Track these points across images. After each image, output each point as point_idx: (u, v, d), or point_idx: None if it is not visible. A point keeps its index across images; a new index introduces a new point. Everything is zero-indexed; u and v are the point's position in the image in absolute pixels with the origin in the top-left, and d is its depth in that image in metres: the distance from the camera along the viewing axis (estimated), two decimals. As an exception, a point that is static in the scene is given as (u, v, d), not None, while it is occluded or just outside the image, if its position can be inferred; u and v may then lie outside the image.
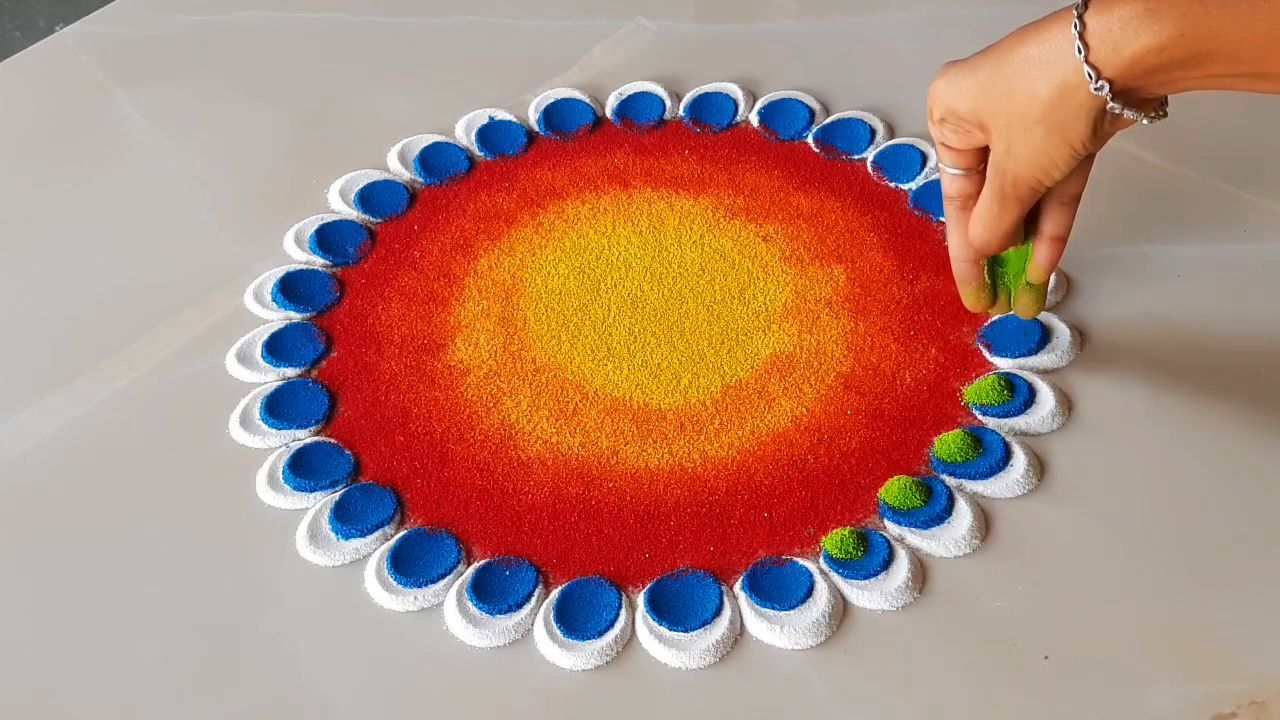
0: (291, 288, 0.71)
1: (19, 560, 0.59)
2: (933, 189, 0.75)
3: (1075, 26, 0.48)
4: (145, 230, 0.77)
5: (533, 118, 0.83)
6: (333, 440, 0.64)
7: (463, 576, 0.58)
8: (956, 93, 0.54)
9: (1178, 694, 0.52)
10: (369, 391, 0.66)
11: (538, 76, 0.86)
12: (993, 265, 0.61)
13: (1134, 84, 0.49)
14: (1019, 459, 0.61)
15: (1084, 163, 0.55)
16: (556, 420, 0.65)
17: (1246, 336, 0.67)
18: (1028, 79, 0.51)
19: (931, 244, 0.73)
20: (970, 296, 0.62)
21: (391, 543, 0.59)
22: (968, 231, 0.59)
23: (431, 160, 0.79)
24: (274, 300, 0.70)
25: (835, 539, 0.58)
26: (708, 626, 0.55)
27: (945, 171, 0.58)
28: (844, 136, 0.79)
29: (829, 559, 0.58)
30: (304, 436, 0.64)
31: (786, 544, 0.59)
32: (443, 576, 0.58)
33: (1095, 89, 0.49)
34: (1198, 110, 0.79)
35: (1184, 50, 0.47)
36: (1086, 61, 0.48)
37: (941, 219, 0.74)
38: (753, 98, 0.83)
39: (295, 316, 0.70)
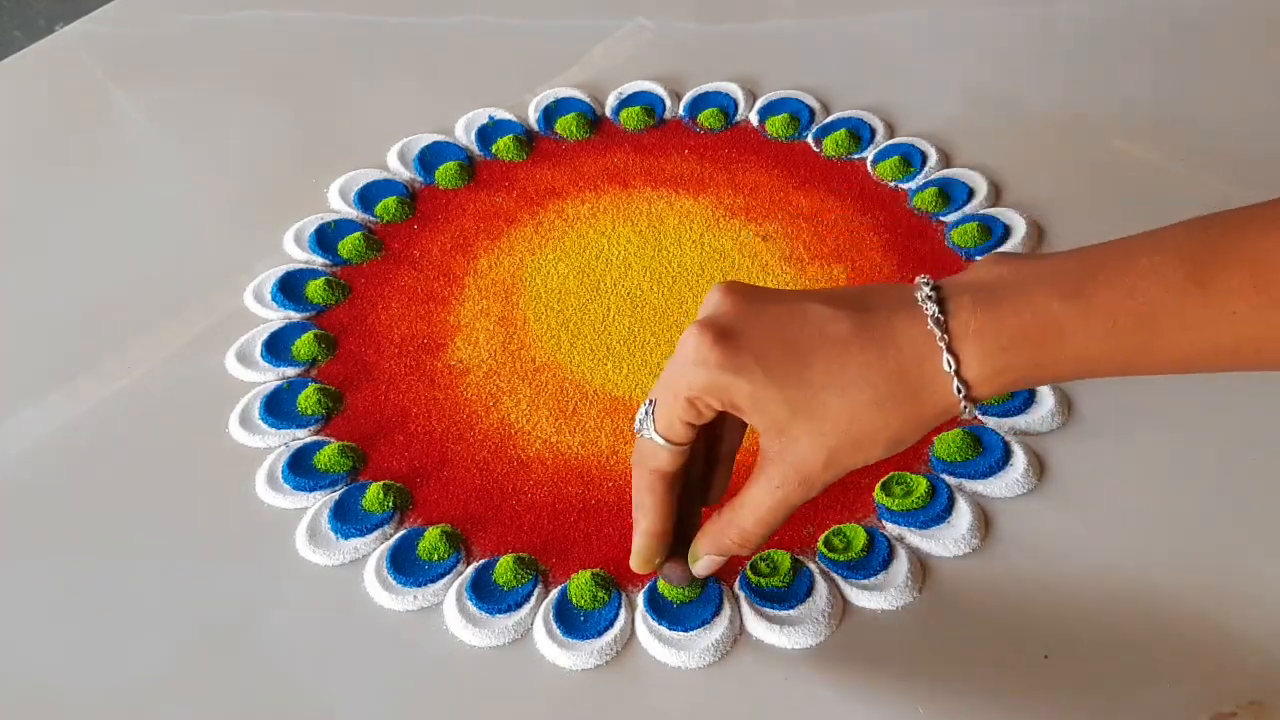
0: (291, 287, 0.71)
1: (19, 560, 0.59)
2: (932, 185, 0.75)
3: (948, 363, 0.43)
4: (145, 230, 0.77)
5: (533, 118, 0.83)
6: (332, 440, 0.64)
7: (462, 576, 0.58)
8: (740, 393, 0.45)
9: (1177, 693, 0.52)
10: (369, 391, 0.66)
11: (538, 76, 0.86)
12: None
13: (998, 394, 0.45)
14: (1019, 458, 0.61)
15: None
16: (556, 420, 0.65)
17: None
18: (869, 410, 0.44)
19: (931, 244, 0.73)
20: (648, 565, 0.53)
21: (391, 542, 0.59)
22: (669, 507, 0.51)
23: (431, 160, 0.79)
24: (274, 300, 0.70)
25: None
26: (707, 626, 0.55)
27: (658, 444, 0.49)
28: (844, 136, 0.79)
29: (828, 559, 0.58)
30: (304, 436, 0.64)
31: (786, 543, 0.59)
32: (442, 576, 0.58)
33: (963, 412, 0.45)
34: (1197, 110, 0.79)
35: (1072, 370, 0.44)
36: (967, 399, 0.44)
37: (942, 218, 0.74)
38: (753, 97, 0.84)
39: (295, 316, 0.70)
